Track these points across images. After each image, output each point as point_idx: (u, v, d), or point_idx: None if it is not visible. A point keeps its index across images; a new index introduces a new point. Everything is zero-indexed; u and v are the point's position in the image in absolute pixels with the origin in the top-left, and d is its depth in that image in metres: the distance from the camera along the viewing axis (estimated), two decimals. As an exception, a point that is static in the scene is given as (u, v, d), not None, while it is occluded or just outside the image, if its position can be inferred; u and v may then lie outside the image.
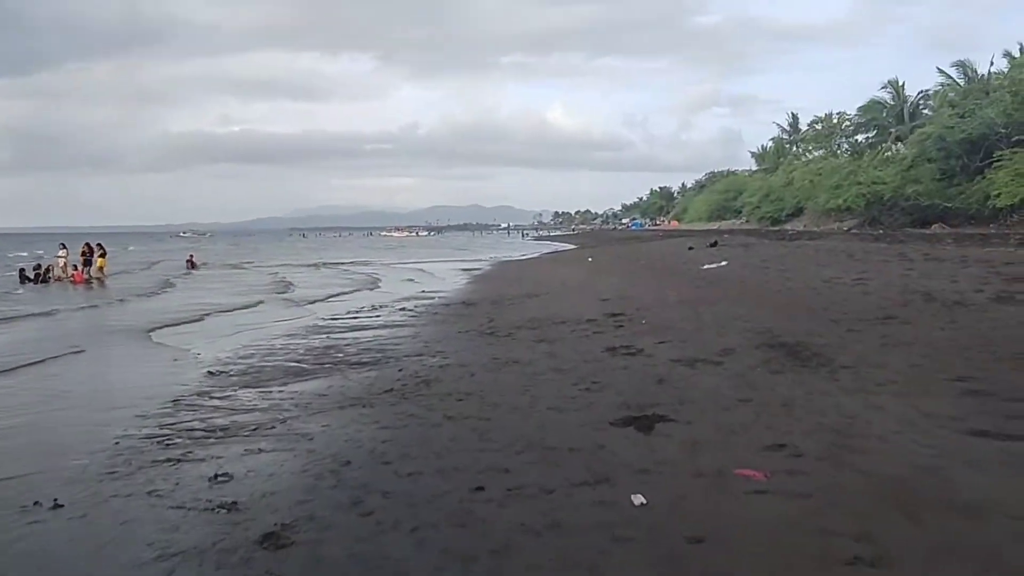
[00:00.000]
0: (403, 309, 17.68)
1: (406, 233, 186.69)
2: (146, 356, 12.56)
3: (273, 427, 7.19)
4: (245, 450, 6.46)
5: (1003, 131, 36.83)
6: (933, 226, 41.73)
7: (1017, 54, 47.20)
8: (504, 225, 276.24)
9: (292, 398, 8.43)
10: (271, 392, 8.82)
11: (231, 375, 10.12)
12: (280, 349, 12.13)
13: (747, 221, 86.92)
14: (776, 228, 66.72)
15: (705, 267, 21.73)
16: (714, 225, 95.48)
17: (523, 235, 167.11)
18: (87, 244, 31.06)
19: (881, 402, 6.14)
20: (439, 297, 20.39)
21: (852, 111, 64.99)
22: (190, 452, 6.50)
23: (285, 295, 24.27)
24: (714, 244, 32.76)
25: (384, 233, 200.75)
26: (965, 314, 9.99)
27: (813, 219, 60.83)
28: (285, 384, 9.30)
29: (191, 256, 41.44)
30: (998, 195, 32.80)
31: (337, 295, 23.43)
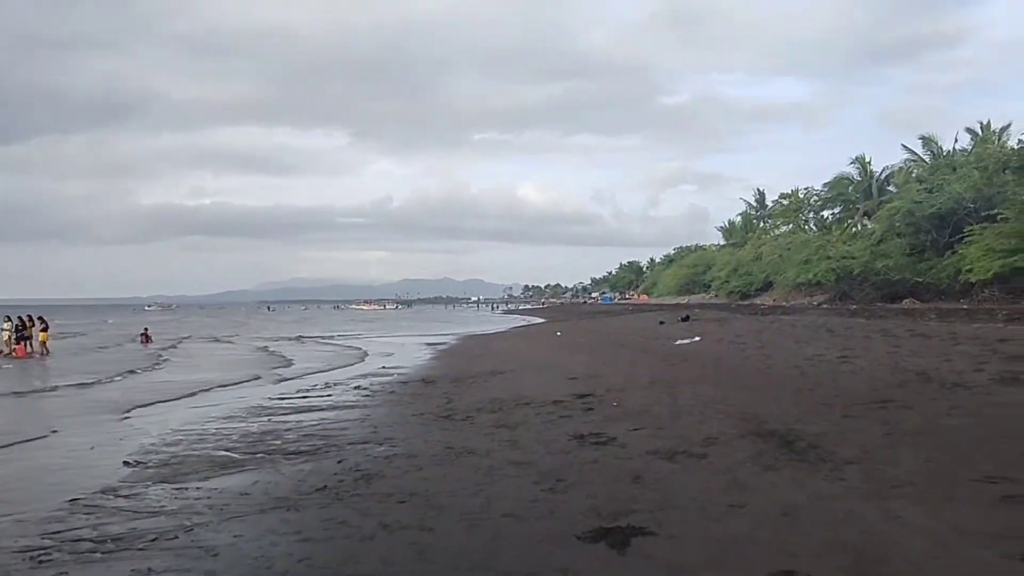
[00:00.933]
0: (358, 388, 16.48)
1: (375, 307, 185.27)
2: (60, 443, 11.19)
3: (175, 537, 5.97)
4: (131, 571, 5.25)
5: (971, 206, 37.04)
6: (904, 301, 41.59)
7: (979, 131, 48.20)
8: (475, 299, 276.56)
9: (209, 497, 7.21)
10: (187, 489, 7.59)
11: (149, 466, 8.86)
12: (212, 435, 10.86)
13: (716, 295, 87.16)
14: (746, 302, 66.66)
15: (678, 343, 20.85)
16: (683, 299, 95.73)
17: (493, 308, 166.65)
18: (19, 317, 29.30)
19: (901, 510, 5.12)
20: (398, 374, 19.21)
21: (818, 186, 65.96)
22: (63, 574, 5.29)
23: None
24: (686, 319, 32.01)
25: (354, 306, 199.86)
26: (969, 397, 9.09)
27: (783, 294, 60.81)
28: (206, 479, 8.07)
29: (145, 330, 39.78)
30: (970, 270, 32.66)
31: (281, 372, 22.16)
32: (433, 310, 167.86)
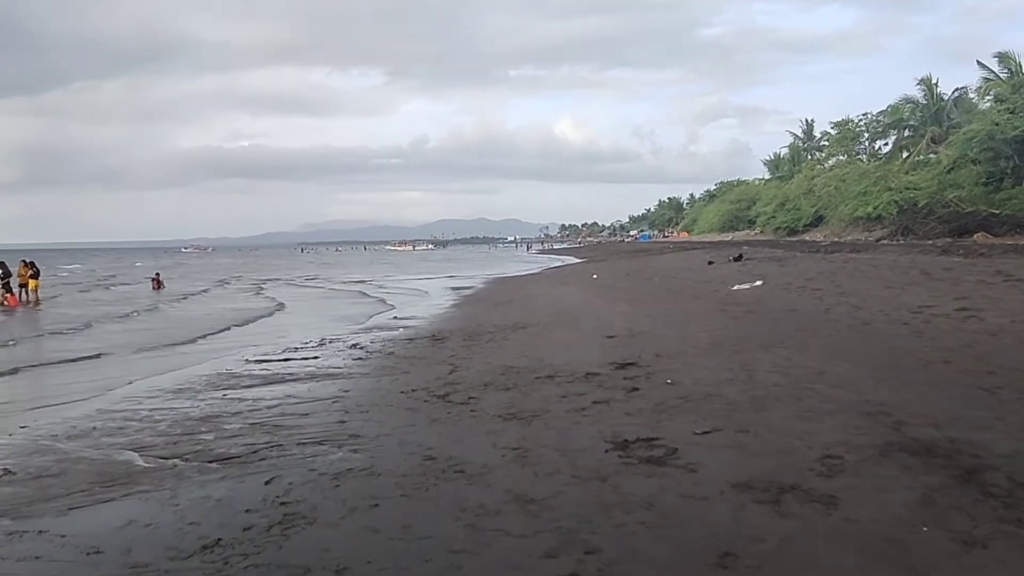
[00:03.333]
0: (355, 346, 13.82)
1: (409, 247, 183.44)
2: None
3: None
4: None
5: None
6: (976, 235, 37.70)
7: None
8: (511, 238, 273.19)
9: (37, 557, 4.60)
10: (21, 538, 4.97)
11: (10, 482, 6.27)
12: (138, 422, 8.26)
13: (761, 232, 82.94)
14: (795, 238, 62.68)
15: (736, 288, 17.82)
16: (727, 236, 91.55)
17: (528, 248, 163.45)
18: (3, 263, 26.24)
19: None
20: (406, 328, 16.50)
21: (874, 113, 60.98)
22: None
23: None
24: (739, 258, 28.74)
25: (389, 247, 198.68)
26: None
27: (837, 229, 56.74)
28: (66, 512, 5.46)
29: (157, 275, 37.61)
30: None
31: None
32: (467, 251, 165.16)
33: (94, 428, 8.03)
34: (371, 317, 19.84)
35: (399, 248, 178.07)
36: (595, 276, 29.89)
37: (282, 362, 12.32)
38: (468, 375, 9.65)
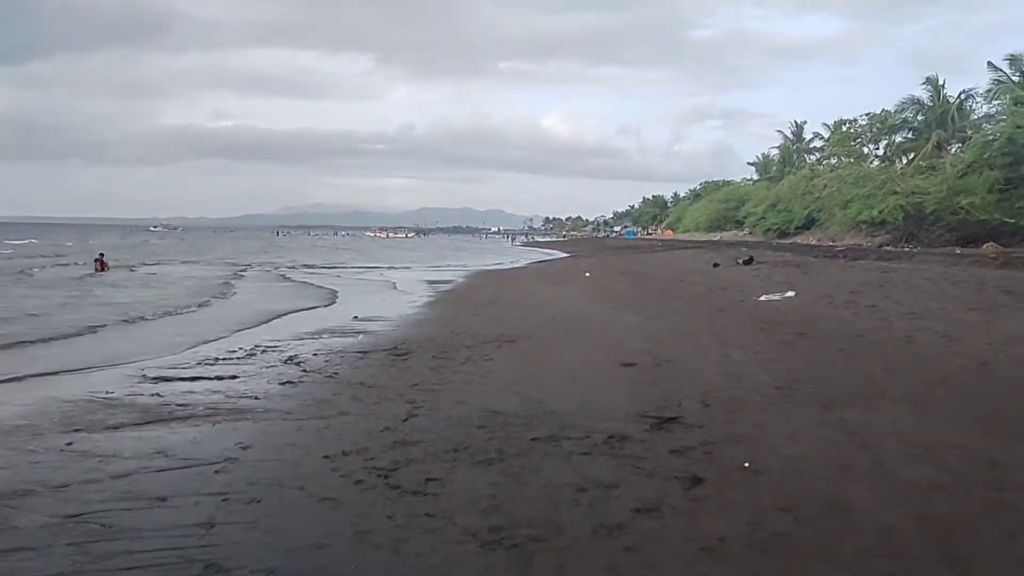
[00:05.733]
0: (291, 359, 10.73)
1: (389, 234, 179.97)
2: None
3: None
4: None
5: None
6: (985, 245, 35.13)
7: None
8: (495, 229, 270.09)
9: None
10: None
11: None
12: None
13: (750, 233, 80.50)
14: (786, 241, 60.07)
15: (764, 299, 14.88)
16: (714, 236, 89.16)
17: (512, 240, 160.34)
18: None
19: None
20: (364, 335, 13.40)
21: (875, 112, 58.30)
22: None
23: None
24: (749, 261, 25.74)
25: (368, 234, 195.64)
26: None
27: (831, 233, 54.13)
28: None
29: (101, 255, 34.14)
30: None
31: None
32: (450, 240, 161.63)
33: None
34: (325, 318, 16.67)
35: (381, 235, 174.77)
36: (588, 274, 26.88)
37: (188, 381, 9.23)
38: (432, 425, 6.60)
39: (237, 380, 9.25)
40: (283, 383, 9.08)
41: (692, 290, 18.39)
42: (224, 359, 10.91)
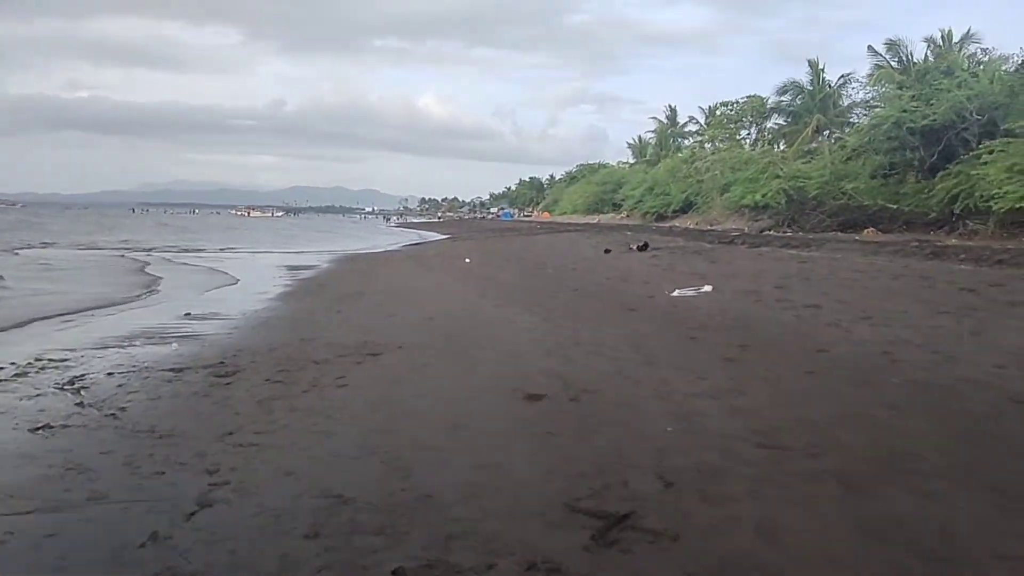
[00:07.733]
0: (71, 383, 7.77)
1: (257, 214, 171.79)
2: None
3: None
4: None
5: (978, 117, 30.13)
6: (865, 231, 35.21)
7: (940, 42, 41.83)
8: (369, 209, 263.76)
9: None
10: None
11: None
12: None
13: (628, 216, 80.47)
14: (664, 224, 59.85)
15: (676, 294, 12.94)
16: (592, 219, 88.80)
17: (386, 220, 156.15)
18: None
19: None
20: (192, 337, 10.47)
21: (748, 97, 58.70)
22: None
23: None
24: (644, 247, 23.98)
25: (234, 212, 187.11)
26: None
27: (709, 216, 54.02)
28: None
29: None
30: (992, 197, 25.32)
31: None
32: (321, 219, 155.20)
33: None
34: (143, 317, 13.45)
35: (244, 214, 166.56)
36: (468, 260, 24.45)
37: None
38: (230, 528, 4.00)
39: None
40: (36, 429, 6.21)
41: (589, 281, 16.27)
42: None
